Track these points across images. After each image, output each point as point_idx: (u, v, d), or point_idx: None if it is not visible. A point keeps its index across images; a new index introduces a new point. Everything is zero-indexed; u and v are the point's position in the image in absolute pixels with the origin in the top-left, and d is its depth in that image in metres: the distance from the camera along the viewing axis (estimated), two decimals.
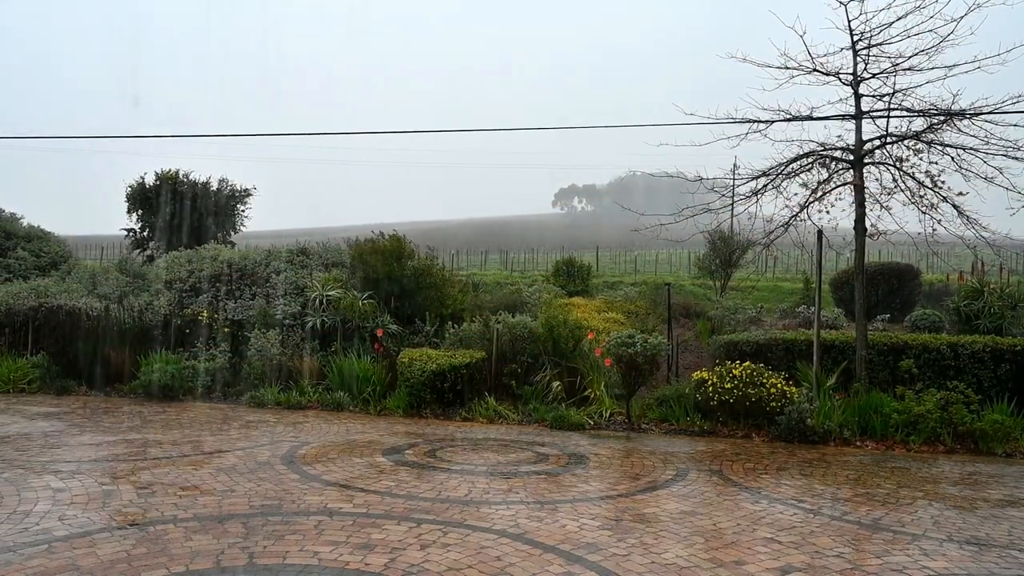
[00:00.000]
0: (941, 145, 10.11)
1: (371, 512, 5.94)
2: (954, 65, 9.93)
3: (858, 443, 9.44)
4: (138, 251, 21.61)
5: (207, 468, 7.29)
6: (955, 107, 9.83)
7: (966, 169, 9.94)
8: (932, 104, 10.06)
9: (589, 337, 11.94)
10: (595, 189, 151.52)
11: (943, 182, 10.11)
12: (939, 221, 10.14)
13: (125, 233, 22.08)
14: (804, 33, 10.24)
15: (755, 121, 10.64)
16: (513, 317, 12.57)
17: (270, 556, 4.86)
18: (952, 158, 10.04)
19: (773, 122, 10.64)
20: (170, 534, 5.25)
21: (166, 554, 4.85)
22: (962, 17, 9.73)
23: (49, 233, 19.99)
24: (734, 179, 11.78)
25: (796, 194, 10.89)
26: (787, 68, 10.61)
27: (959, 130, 9.95)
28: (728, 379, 9.96)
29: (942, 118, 10.02)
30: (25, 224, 19.76)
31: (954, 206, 10.07)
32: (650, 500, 6.59)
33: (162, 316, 13.49)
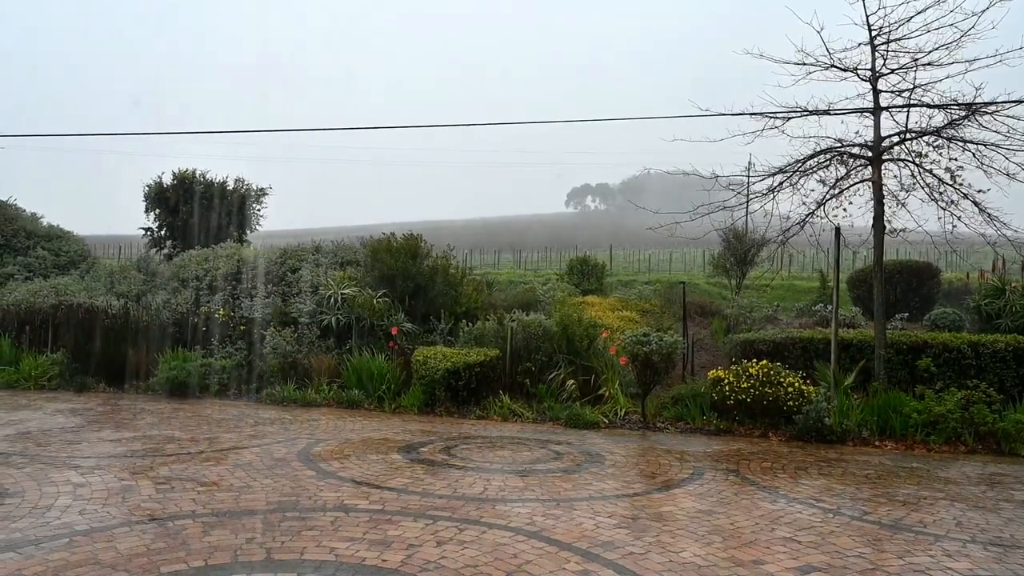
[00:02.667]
0: (962, 141, 9.98)
1: (387, 509, 5.95)
2: (975, 59, 9.82)
3: (877, 443, 9.34)
4: (155, 250, 21.81)
5: (224, 464, 7.33)
6: (976, 102, 9.70)
7: (987, 165, 9.81)
8: (952, 99, 9.94)
9: (603, 335, 11.91)
10: (608, 188, 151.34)
11: (963, 179, 9.99)
12: (959, 218, 10.03)
13: (143, 232, 22.28)
14: (822, 29, 10.16)
15: (772, 116, 10.56)
16: (527, 316, 12.56)
17: (287, 552, 4.87)
18: (973, 154, 9.91)
19: (790, 117, 10.55)
20: (188, 529, 5.28)
21: (185, 549, 4.87)
22: (984, 11, 9.61)
23: (68, 232, 20.21)
24: (749, 176, 11.71)
25: (813, 191, 10.81)
26: (804, 64, 10.52)
27: (980, 125, 9.82)
28: (744, 378, 9.88)
29: (963, 113, 9.89)
30: (45, 223, 19.99)
31: (975, 203, 9.95)
32: (667, 499, 6.55)
33: (179, 314, 13.60)
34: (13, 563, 4.55)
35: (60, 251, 18.86)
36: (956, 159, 10.01)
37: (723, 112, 10.69)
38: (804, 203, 10.79)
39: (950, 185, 10.03)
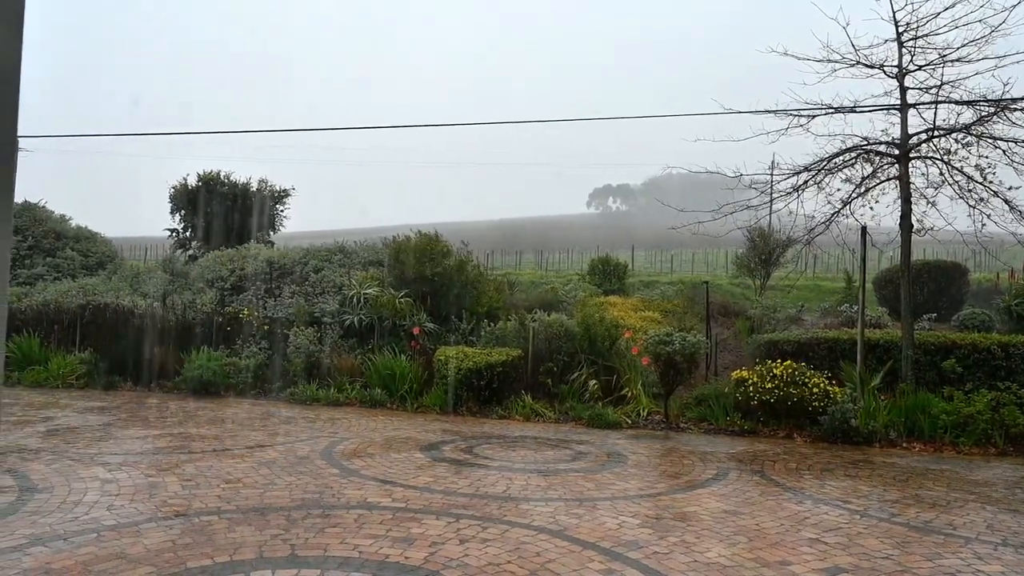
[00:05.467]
0: (991, 138, 9.80)
1: (410, 507, 5.96)
2: (1005, 55, 9.66)
3: (904, 444, 9.19)
4: (181, 251, 22.07)
5: (249, 462, 7.39)
6: (1006, 98, 9.53)
7: (1018, 162, 9.63)
8: (982, 95, 9.76)
9: (626, 336, 11.85)
10: (629, 188, 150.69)
11: (994, 175, 9.81)
12: (989, 216, 9.85)
13: (168, 233, 22.56)
14: (848, 24, 10.05)
15: (797, 114, 10.45)
16: (549, 316, 12.53)
17: (311, 548, 4.90)
18: (1003, 151, 9.74)
19: (815, 115, 10.43)
20: (214, 525, 5.34)
21: (211, 544, 4.92)
22: (1015, 6, 9.44)
23: (96, 234, 20.51)
24: (772, 175, 11.58)
25: (839, 190, 10.68)
26: (829, 61, 10.43)
27: (1011, 122, 9.65)
28: (769, 378, 9.77)
29: (992, 110, 9.71)
30: (73, 225, 20.30)
31: (1005, 200, 9.77)
32: (690, 499, 6.50)
33: (204, 314, 13.75)
34: (43, 557, 4.63)
35: (88, 252, 19.15)
36: (986, 156, 9.85)
37: (749, 110, 10.60)
38: (829, 202, 10.68)
39: (979, 183, 9.86)
